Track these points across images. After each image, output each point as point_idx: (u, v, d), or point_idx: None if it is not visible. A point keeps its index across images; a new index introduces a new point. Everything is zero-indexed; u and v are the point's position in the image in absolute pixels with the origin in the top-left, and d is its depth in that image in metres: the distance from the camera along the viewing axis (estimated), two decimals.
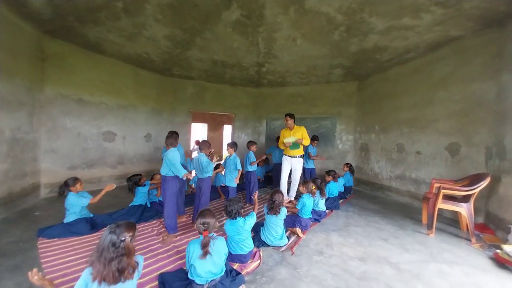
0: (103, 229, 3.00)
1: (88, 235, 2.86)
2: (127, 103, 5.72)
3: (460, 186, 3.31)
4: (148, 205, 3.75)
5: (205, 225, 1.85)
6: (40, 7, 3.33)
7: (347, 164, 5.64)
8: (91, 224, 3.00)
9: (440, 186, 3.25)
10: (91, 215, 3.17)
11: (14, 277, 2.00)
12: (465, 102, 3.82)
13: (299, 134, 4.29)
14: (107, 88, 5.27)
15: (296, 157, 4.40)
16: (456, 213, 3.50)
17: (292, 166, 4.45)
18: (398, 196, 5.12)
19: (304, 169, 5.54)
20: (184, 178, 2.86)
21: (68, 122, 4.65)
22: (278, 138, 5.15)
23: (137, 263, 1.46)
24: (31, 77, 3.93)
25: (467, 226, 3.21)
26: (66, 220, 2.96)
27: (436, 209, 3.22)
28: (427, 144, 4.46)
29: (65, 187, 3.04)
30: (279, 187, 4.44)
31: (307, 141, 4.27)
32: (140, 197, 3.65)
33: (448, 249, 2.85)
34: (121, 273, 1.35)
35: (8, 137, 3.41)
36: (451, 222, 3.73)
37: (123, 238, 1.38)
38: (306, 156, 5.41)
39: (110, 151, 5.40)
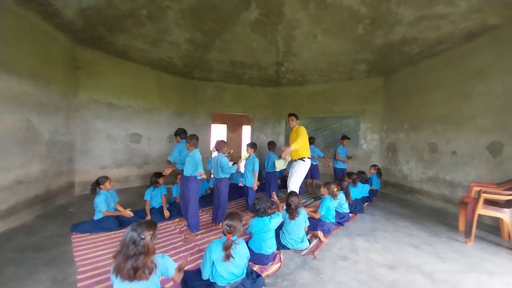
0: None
1: (117, 231, 3.02)
2: (152, 106, 5.99)
3: (503, 190, 2.97)
4: (171, 202, 3.86)
5: (231, 228, 1.84)
6: (72, 17, 3.60)
7: (374, 165, 5.32)
8: (118, 221, 3.16)
9: (480, 190, 2.95)
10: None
11: (49, 271, 2.14)
12: (507, 96, 3.43)
13: (295, 136, 3.64)
14: (134, 92, 5.56)
15: (296, 160, 3.66)
16: (497, 220, 3.17)
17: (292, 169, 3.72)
18: (430, 200, 4.73)
19: (334, 169, 5.50)
20: (199, 177, 2.88)
21: (99, 125, 4.98)
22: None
23: (155, 265, 1.46)
24: (66, 83, 4.26)
25: (509, 234, 2.91)
26: (95, 217, 3.14)
27: (476, 215, 2.92)
28: (464, 143, 4.07)
29: (96, 185, 3.24)
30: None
31: (296, 144, 3.44)
32: (157, 199, 3.76)
33: (488, 259, 2.58)
34: (135, 272, 1.37)
35: (47, 140, 3.73)
36: (491, 230, 3.37)
37: (143, 237, 1.41)
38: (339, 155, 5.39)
39: (136, 152, 5.68)
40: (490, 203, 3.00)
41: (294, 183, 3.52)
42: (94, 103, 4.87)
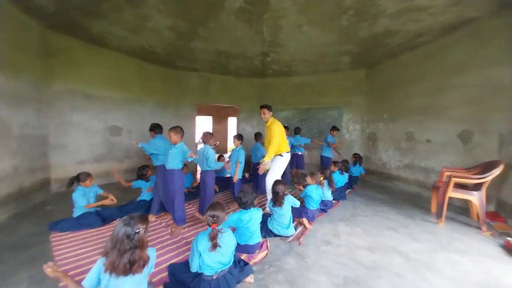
0: (113, 222, 3.08)
1: (99, 228, 2.93)
2: (133, 97, 5.74)
3: (472, 174, 3.22)
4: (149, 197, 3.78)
5: (214, 218, 1.85)
6: (43, 1, 3.30)
7: (355, 154, 5.54)
8: (101, 217, 3.05)
9: (451, 175, 3.18)
10: (99, 209, 3.22)
11: (29, 270, 2.06)
12: (482, 88, 3.65)
13: (269, 135, 3.45)
14: (113, 82, 5.28)
15: (264, 161, 3.41)
16: (466, 202, 3.43)
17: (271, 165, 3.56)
18: (406, 185, 5.04)
19: (321, 157, 5.64)
20: (190, 159, 2.83)
21: (76, 117, 4.71)
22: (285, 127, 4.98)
23: (149, 257, 1.47)
24: (38, 72, 3.96)
25: (477, 214, 3.17)
26: (75, 214, 3.01)
27: (447, 197, 3.16)
28: (438, 132, 4.33)
29: (76, 180, 3.09)
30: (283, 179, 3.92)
31: (272, 147, 3.29)
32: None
33: (458, 238, 2.81)
34: (132, 266, 1.36)
35: (16, 133, 3.46)
36: (461, 211, 3.67)
37: (137, 230, 1.40)
38: (326, 145, 5.54)
39: (117, 145, 5.46)
40: (459, 186, 3.24)
41: (270, 180, 3.34)
42: (69, 94, 4.57)
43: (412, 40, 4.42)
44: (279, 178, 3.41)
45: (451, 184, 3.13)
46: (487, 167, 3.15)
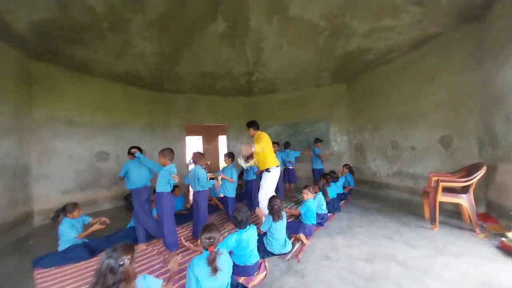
0: (101, 253, 2.90)
1: (87, 261, 2.74)
2: (119, 121, 5.66)
3: (457, 178, 3.34)
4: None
5: (211, 240, 1.79)
6: (24, 31, 3.32)
7: (346, 165, 5.61)
8: (88, 249, 2.87)
9: (438, 179, 3.27)
10: (86, 240, 3.05)
11: None
12: (451, 95, 3.93)
13: (257, 142, 3.26)
14: (97, 108, 5.22)
15: (263, 171, 3.39)
16: (457, 205, 3.48)
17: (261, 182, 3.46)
18: (397, 192, 5.13)
19: (313, 170, 5.75)
20: (172, 182, 2.78)
21: (59, 145, 4.56)
22: (275, 143, 5.03)
23: None
24: (19, 101, 3.86)
25: (469, 217, 3.21)
26: (60, 248, 2.83)
27: (437, 202, 3.22)
28: (420, 138, 4.53)
29: (61, 212, 2.94)
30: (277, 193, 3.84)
31: (258, 146, 3.13)
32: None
33: (453, 242, 2.84)
34: None
35: None
36: (453, 215, 3.73)
37: (121, 262, 1.32)
38: (315, 156, 5.67)
39: (104, 172, 5.28)
40: (448, 190, 3.32)
41: (263, 196, 3.26)
42: (51, 121, 4.46)
43: (384, 55, 4.77)
44: (271, 194, 3.27)
45: (440, 189, 3.20)
46: (471, 170, 3.28)
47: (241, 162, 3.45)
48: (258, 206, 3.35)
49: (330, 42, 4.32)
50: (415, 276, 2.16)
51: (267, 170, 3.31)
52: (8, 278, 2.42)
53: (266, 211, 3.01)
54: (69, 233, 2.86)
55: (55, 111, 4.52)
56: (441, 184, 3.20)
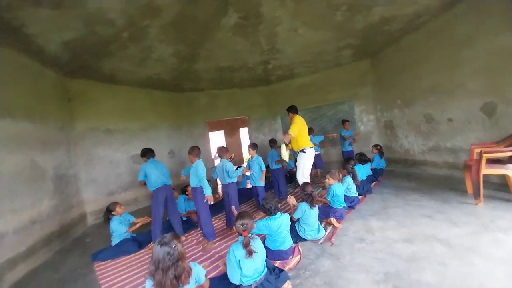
0: (149, 245, 3.21)
1: (136, 253, 3.07)
2: (148, 125, 6.04)
3: (503, 147, 3.04)
4: (184, 218, 3.92)
5: (244, 225, 1.91)
6: (56, 52, 3.64)
7: (376, 145, 5.29)
8: (137, 242, 3.22)
9: (481, 151, 3.00)
10: (134, 235, 3.40)
11: None
12: (492, 58, 3.51)
13: (292, 123, 3.64)
14: (129, 114, 5.62)
15: (298, 152, 3.71)
16: (504, 177, 3.21)
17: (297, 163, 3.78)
18: (435, 169, 4.80)
19: (343, 152, 5.77)
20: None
21: (100, 152, 5.03)
22: None
23: (191, 268, 1.57)
24: (62, 117, 4.31)
25: None
26: (113, 243, 3.21)
27: (481, 175, 2.97)
28: (458, 109, 4.14)
29: (108, 212, 3.31)
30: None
31: (291, 131, 3.39)
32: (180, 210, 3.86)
33: (501, 216, 2.63)
34: (178, 279, 1.45)
35: (52, 175, 3.77)
36: (500, 187, 3.41)
37: (174, 246, 1.49)
38: (342, 139, 5.67)
39: None
40: (493, 162, 3.05)
41: (300, 176, 3.60)
42: (92, 132, 4.92)
43: (411, 22, 4.33)
44: (307, 173, 3.61)
45: (483, 161, 2.95)
46: None
47: (283, 151, 3.66)
48: (287, 196, 3.43)
49: (349, 16, 4.05)
50: (461, 255, 2.06)
51: (302, 150, 3.57)
52: (73, 272, 2.79)
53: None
54: (119, 228, 3.22)
55: (93, 122, 4.97)
56: (485, 156, 2.93)
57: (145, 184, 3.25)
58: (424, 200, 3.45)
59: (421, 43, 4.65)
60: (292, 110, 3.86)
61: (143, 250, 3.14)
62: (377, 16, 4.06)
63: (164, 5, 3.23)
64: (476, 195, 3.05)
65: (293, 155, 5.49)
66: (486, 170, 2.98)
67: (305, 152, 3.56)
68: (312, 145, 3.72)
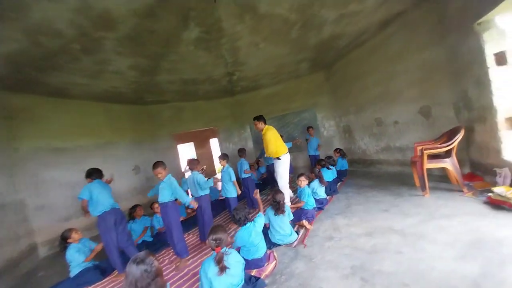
0: (113, 272, 2.93)
1: (100, 282, 2.79)
2: (105, 141, 5.60)
3: (439, 144, 3.53)
4: (150, 239, 3.70)
5: (217, 241, 1.88)
6: None
7: (337, 149, 5.82)
8: (99, 270, 2.91)
9: (422, 148, 3.45)
10: (96, 262, 3.08)
11: None
12: (422, 69, 4.14)
13: (265, 140, 3.87)
14: (81, 131, 5.15)
15: (275, 159, 3.99)
16: (444, 170, 3.65)
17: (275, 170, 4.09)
18: (388, 166, 5.35)
19: (309, 156, 6.13)
20: (192, 206, 2.99)
21: (48, 175, 4.48)
22: None
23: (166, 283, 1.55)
24: (1, 137, 3.79)
25: (456, 179, 3.39)
26: (72, 274, 2.86)
27: (425, 170, 3.40)
28: (401, 113, 4.73)
29: (63, 241, 2.97)
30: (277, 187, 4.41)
31: (271, 146, 3.75)
32: (138, 232, 3.62)
33: (444, 204, 2.99)
34: None
35: None
36: (441, 179, 3.89)
37: (151, 263, 1.45)
38: (309, 144, 6.10)
39: None
40: (433, 157, 3.51)
41: (281, 181, 3.95)
42: (38, 152, 4.39)
43: (356, 39, 4.94)
44: (286, 177, 3.94)
45: (425, 157, 3.38)
46: (451, 134, 3.46)
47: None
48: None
49: (303, 33, 4.41)
50: (413, 242, 2.30)
51: (278, 158, 3.86)
52: None
53: (289, 191, 3.96)
54: (77, 257, 2.89)
55: (40, 141, 4.45)
56: (426, 152, 3.38)
57: (85, 208, 2.85)
58: (381, 196, 3.81)
59: (365, 58, 5.28)
60: (261, 119, 3.96)
61: (107, 278, 2.85)
62: (327, 33, 4.52)
63: (119, 18, 3.11)
64: (423, 187, 3.47)
65: (265, 162, 5.70)
66: (428, 164, 3.41)
67: (280, 159, 3.86)
68: (287, 151, 3.99)
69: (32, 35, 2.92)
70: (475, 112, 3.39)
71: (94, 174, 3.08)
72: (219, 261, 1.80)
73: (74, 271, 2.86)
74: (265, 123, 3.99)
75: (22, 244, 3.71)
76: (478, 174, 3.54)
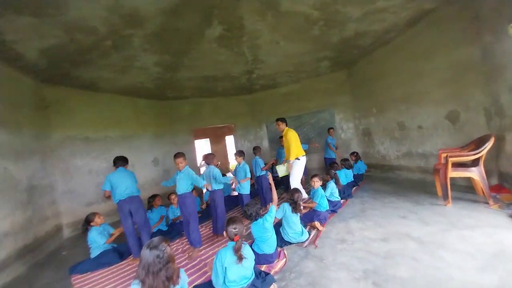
0: (130, 256, 3.11)
1: (118, 264, 2.97)
2: (130, 133, 5.92)
3: (467, 152, 3.34)
4: (165, 228, 3.86)
5: (236, 230, 1.96)
6: (34, 59, 3.54)
7: (353, 153, 5.71)
8: (118, 253, 3.11)
9: (447, 155, 3.27)
10: (115, 245, 3.29)
11: None
12: (453, 69, 3.88)
13: (285, 142, 4.21)
14: (110, 123, 5.48)
15: (289, 161, 4.15)
16: (469, 179, 3.47)
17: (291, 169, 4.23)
18: (409, 173, 5.13)
19: (325, 159, 6.07)
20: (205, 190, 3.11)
21: (78, 161, 4.84)
22: (281, 137, 5.24)
23: (178, 270, 1.60)
24: (37, 125, 4.13)
25: (482, 189, 3.20)
26: (92, 255, 3.08)
27: (448, 178, 3.22)
28: (426, 117, 4.50)
29: (86, 223, 3.19)
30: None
31: (291, 155, 4.02)
32: (156, 221, 3.80)
33: (467, 215, 2.86)
34: (170, 280, 1.47)
35: (26, 186, 3.57)
36: (466, 189, 3.70)
37: (163, 248, 1.50)
38: (326, 146, 6.01)
39: None
40: (459, 165, 3.33)
41: (295, 180, 4.12)
42: (69, 140, 4.74)
43: (381, 37, 4.74)
44: (299, 179, 4.16)
45: (450, 164, 3.20)
46: (479, 142, 3.26)
47: (280, 170, 4.29)
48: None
49: (326, 30, 4.34)
50: (431, 250, 2.22)
51: (297, 158, 4.10)
52: (49, 286, 2.66)
53: (303, 192, 3.95)
54: (98, 239, 3.10)
55: (72, 130, 4.80)
56: (451, 160, 3.21)
57: (109, 196, 3.05)
58: (399, 202, 3.67)
59: (390, 57, 5.07)
60: (284, 121, 4.30)
61: (125, 261, 3.03)
62: (350, 32, 4.40)
63: (147, 16, 3.27)
64: (445, 196, 3.30)
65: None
66: (453, 173, 3.24)
67: (299, 159, 4.11)
68: (305, 153, 4.23)
69: (69, 31, 3.15)
70: (507, 120, 3.15)
71: (118, 162, 3.26)
72: (237, 249, 1.86)
73: (94, 252, 3.08)
74: (286, 124, 4.30)
75: (49, 224, 4.03)
76: (506, 186, 3.31)
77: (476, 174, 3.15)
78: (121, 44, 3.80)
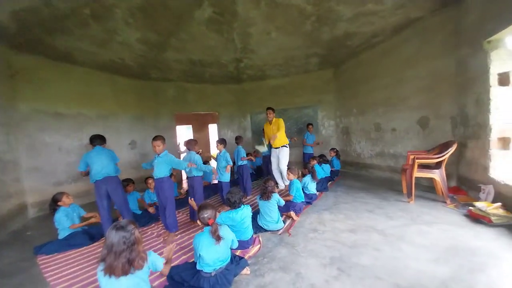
0: (102, 239, 3.03)
1: (88, 246, 2.87)
2: (107, 112, 5.60)
3: (432, 155, 3.63)
4: (139, 212, 3.79)
5: (207, 215, 1.99)
6: (4, 21, 3.20)
7: (333, 149, 5.95)
8: (88, 235, 3.00)
9: (414, 157, 3.56)
10: (86, 227, 3.16)
11: None
12: (430, 78, 4.15)
13: (276, 127, 4.68)
14: (84, 99, 5.13)
15: (279, 147, 4.69)
16: (432, 180, 3.80)
17: (278, 156, 4.75)
18: (380, 172, 5.48)
19: (303, 154, 6.22)
20: (188, 169, 3.11)
21: (47, 138, 4.51)
22: (263, 130, 5.31)
23: (146, 255, 1.56)
24: (2, 95, 3.77)
25: (442, 190, 3.52)
26: (60, 236, 2.94)
27: (413, 178, 3.52)
28: (401, 121, 4.80)
29: (53, 203, 3.03)
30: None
31: (281, 133, 4.61)
32: (132, 204, 3.68)
33: (426, 212, 3.14)
34: (131, 263, 1.43)
35: None
36: (428, 189, 4.06)
37: (131, 230, 1.48)
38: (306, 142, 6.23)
39: None
40: (423, 167, 3.64)
41: (284, 165, 4.69)
42: (37, 114, 4.38)
43: (369, 40, 4.91)
44: (286, 163, 4.71)
45: (416, 165, 3.49)
46: (443, 147, 3.57)
47: (260, 148, 5.09)
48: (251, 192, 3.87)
49: (317, 27, 4.39)
50: (392, 242, 2.43)
51: (285, 145, 4.73)
52: (13, 266, 2.52)
53: (281, 182, 4.83)
54: (64, 221, 2.94)
55: (41, 103, 4.43)
56: (417, 161, 3.49)
57: (87, 175, 2.98)
58: (369, 198, 3.94)
59: (376, 60, 5.27)
60: (274, 111, 4.84)
61: (95, 244, 2.95)
62: (341, 31, 4.50)
63: None
64: (409, 194, 3.60)
65: (261, 154, 5.82)
66: (418, 173, 3.54)
67: (286, 147, 4.73)
68: (288, 142, 4.83)
69: None
70: (470, 129, 3.48)
71: (95, 140, 3.11)
72: (214, 231, 1.91)
73: (62, 234, 2.93)
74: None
75: (12, 202, 3.75)
76: (463, 188, 3.68)
77: (438, 175, 3.47)
78: (101, 15, 3.55)
